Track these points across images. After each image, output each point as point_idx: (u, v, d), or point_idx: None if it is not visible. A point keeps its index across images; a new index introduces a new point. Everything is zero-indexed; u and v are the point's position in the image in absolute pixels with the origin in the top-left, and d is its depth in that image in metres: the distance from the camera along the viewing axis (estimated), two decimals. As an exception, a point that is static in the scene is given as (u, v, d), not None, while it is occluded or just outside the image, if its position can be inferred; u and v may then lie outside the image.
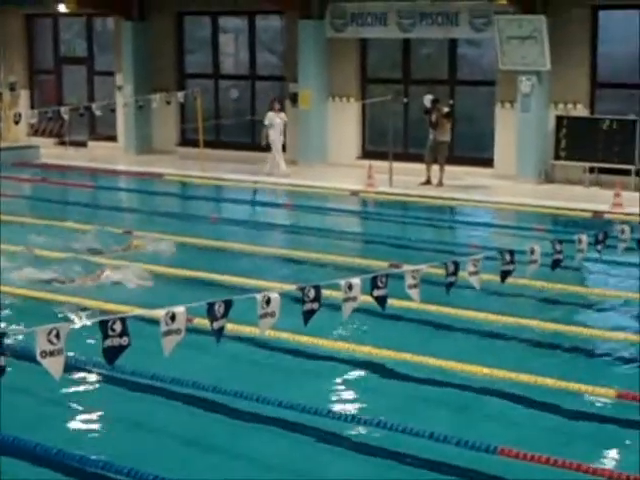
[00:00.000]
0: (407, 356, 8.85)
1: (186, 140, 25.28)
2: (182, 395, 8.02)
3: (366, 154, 22.87)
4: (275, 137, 21.54)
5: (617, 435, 7.49)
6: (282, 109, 21.84)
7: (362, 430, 7.44)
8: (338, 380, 8.61)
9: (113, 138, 26.15)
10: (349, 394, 8.35)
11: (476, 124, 22.14)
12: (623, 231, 8.59)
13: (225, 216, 17.62)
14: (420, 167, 20.58)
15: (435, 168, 20.23)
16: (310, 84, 22.82)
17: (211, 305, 5.49)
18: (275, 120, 21.49)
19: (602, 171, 20.08)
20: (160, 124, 25.36)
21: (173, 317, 5.24)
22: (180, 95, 22.74)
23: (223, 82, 25.32)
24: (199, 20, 25.71)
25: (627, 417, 7.71)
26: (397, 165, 20.25)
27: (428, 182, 20.24)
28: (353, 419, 7.58)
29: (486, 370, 8.48)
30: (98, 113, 20.77)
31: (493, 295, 10.79)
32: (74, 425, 7.67)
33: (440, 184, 20.07)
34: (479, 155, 21.58)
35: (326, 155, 22.92)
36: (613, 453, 7.17)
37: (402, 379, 8.65)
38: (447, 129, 20.35)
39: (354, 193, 19.54)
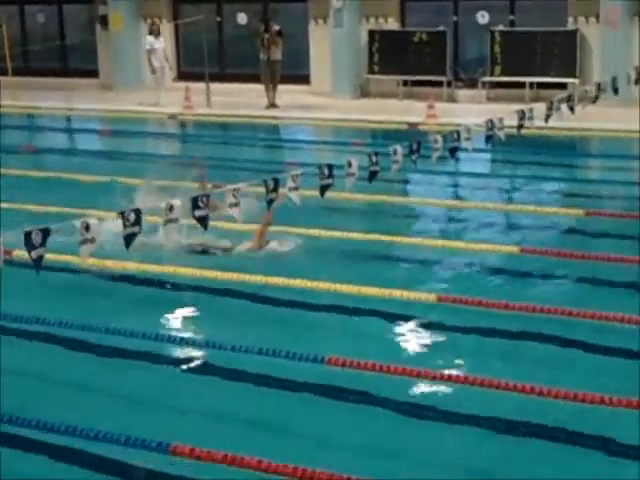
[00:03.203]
0: (234, 276, 8.91)
1: (-6, 69, 24.35)
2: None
3: (182, 76, 22.60)
4: (159, 64, 20.60)
5: (438, 337, 7.76)
6: (159, 33, 20.79)
7: (195, 352, 7.48)
8: (166, 306, 8.60)
9: None
10: (177, 318, 8.36)
11: (291, 42, 22.11)
12: (436, 141, 8.79)
13: (42, 145, 17.13)
14: (238, 87, 20.50)
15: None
16: (120, 6, 22.28)
17: (28, 234, 5.36)
18: (155, 44, 20.56)
19: (415, 83, 20.47)
20: (-35, 53, 24.34)
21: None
22: (-16, 23, 21.87)
23: (29, 7, 24.42)
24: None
25: (447, 320, 8.00)
26: (214, 86, 20.09)
27: (273, 105, 20.00)
28: (183, 341, 7.61)
29: (310, 283, 8.64)
30: None
31: (315, 210, 10.89)
32: None
33: (274, 105, 19.86)
34: (295, 73, 21.61)
35: (141, 79, 22.51)
36: (434, 354, 7.42)
37: (228, 296, 8.70)
38: (280, 48, 20.04)
39: (172, 116, 19.33)
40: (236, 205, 6.65)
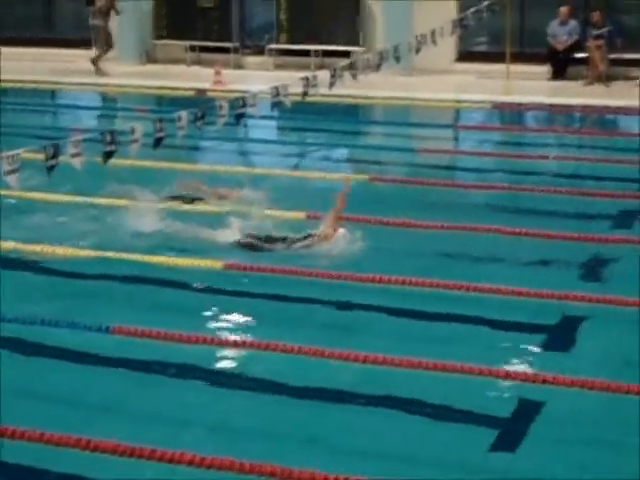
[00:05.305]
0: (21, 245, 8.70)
1: None
2: None
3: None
4: None
5: (226, 304, 7.76)
6: None
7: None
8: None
9: None
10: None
11: (73, 3, 21.59)
12: (222, 107, 8.80)
13: None
14: (16, 51, 19.86)
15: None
16: None
17: None
18: None
19: (203, 50, 20.33)
20: None
21: None
22: None
23: None
24: None
25: (234, 287, 8.03)
26: (6, 50, 19.43)
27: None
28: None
29: (94, 252, 8.51)
30: None
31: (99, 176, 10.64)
32: None
33: (101, 72, 19.24)
34: (79, 36, 21.02)
35: None
36: (221, 321, 7.43)
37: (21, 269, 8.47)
38: (118, 14, 19.60)
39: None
40: (14, 172, 6.46)
